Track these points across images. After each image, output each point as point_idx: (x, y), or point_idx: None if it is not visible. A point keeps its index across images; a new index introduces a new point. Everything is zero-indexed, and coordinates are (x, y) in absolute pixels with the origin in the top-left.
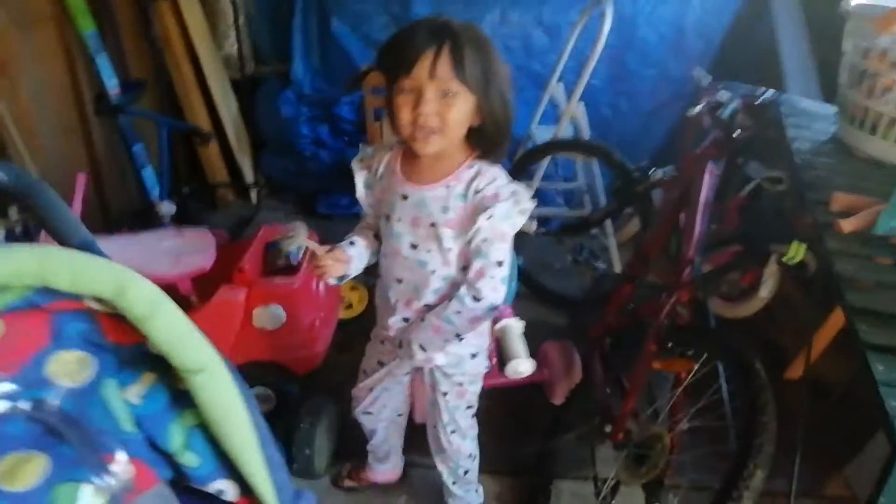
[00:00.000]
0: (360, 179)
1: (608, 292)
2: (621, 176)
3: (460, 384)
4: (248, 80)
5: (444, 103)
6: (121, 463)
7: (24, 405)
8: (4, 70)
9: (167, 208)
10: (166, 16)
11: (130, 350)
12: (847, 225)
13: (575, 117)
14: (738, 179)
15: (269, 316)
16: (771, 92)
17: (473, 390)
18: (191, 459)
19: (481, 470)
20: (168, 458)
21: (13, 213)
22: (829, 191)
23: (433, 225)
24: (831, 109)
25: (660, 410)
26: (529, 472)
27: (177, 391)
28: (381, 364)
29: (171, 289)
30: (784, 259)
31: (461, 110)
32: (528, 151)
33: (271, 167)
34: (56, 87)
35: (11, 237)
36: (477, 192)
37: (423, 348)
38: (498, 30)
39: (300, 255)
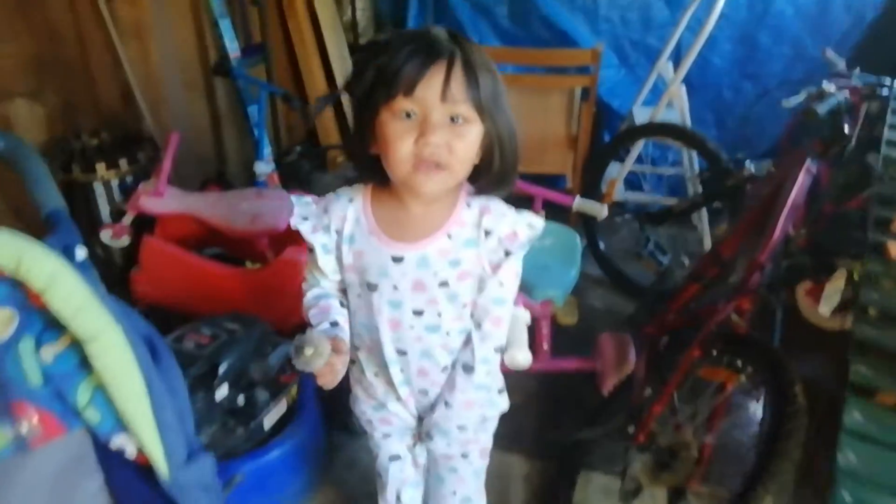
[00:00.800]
0: (317, 245)
1: (671, 289)
2: (712, 167)
3: (484, 424)
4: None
5: (453, 132)
6: (28, 411)
7: None
8: (138, 32)
9: (262, 168)
10: None
11: (52, 314)
12: (895, 249)
13: (675, 100)
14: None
15: None
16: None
17: (490, 436)
18: (93, 416)
19: (514, 450)
20: (77, 412)
21: (123, 164)
22: None
23: (444, 285)
24: None
25: (695, 419)
26: (560, 459)
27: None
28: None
29: (249, 244)
30: (855, 276)
31: (473, 141)
32: (618, 134)
33: None
34: (183, 48)
35: (123, 186)
36: (488, 232)
37: (461, 429)
38: (615, 1)
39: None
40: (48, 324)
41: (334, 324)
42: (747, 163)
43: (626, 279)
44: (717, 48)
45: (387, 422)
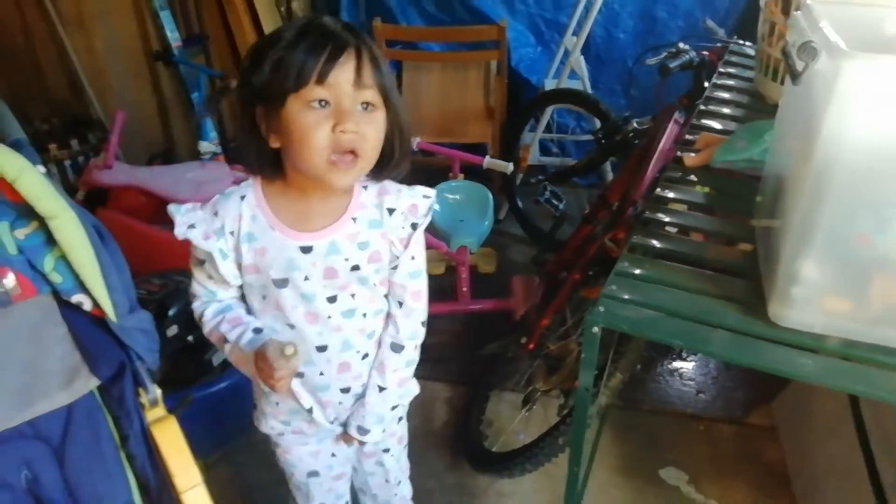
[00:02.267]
0: (214, 251)
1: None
2: (603, 125)
3: (400, 419)
4: None
5: (365, 119)
6: (7, 274)
7: None
8: (81, 23)
9: (205, 147)
10: None
11: (23, 205)
12: (690, 159)
13: (577, 69)
14: None
15: None
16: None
17: (405, 424)
18: (57, 278)
19: (438, 379)
20: (44, 277)
21: (74, 144)
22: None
23: (355, 269)
24: None
25: (577, 329)
26: (474, 382)
27: (51, 235)
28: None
29: None
30: None
31: (381, 128)
32: (527, 103)
33: None
34: (127, 38)
35: (75, 165)
36: (391, 210)
37: (380, 423)
38: None
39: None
40: (19, 214)
41: (258, 330)
42: (632, 119)
43: (544, 236)
44: (621, 24)
45: (300, 434)
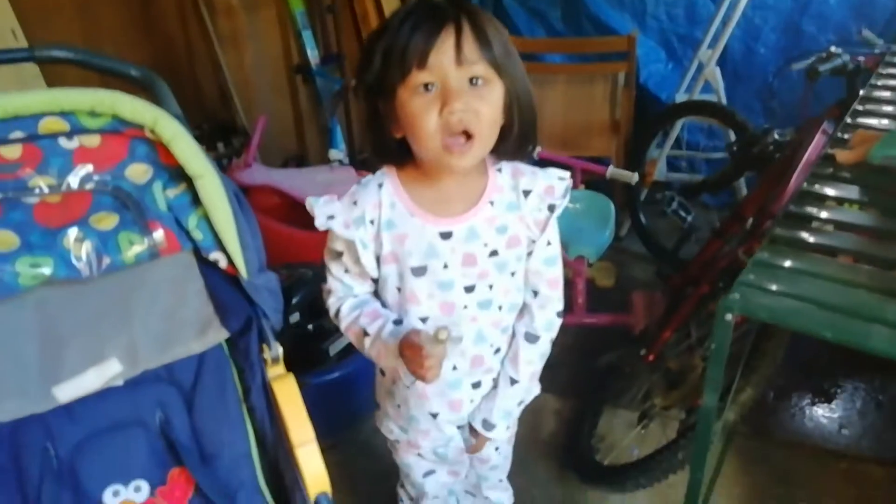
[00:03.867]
0: (356, 240)
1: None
2: (740, 137)
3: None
4: None
5: (475, 95)
6: (157, 229)
7: (110, 187)
8: (235, 41)
9: (335, 154)
10: None
11: (175, 168)
12: (843, 155)
13: (711, 81)
14: None
15: None
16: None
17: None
18: (198, 235)
19: (548, 390)
20: (187, 234)
21: (220, 147)
22: None
23: (494, 254)
24: None
25: (702, 345)
26: (588, 395)
27: (196, 197)
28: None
29: None
30: None
31: (496, 102)
32: (655, 116)
33: None
34: (272, 55)
35: (219, 166)
36: (527, 192)
37: (507, 418)
38: None
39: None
40: (171, 176)
41: (398, 322)
42: (773, 130)
43: (669, 254)
44: (762, 38)
45: (425, 436)
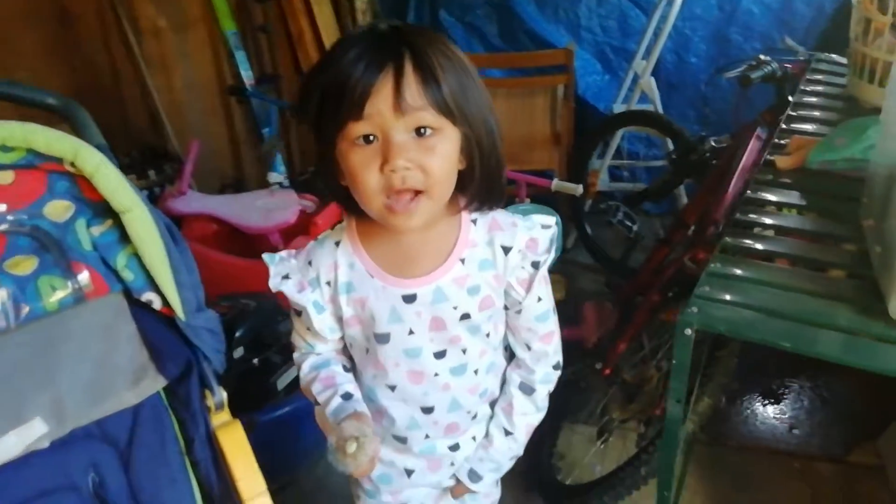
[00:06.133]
0: (308, 305)
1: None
2: (678, 145)
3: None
4: None
5: (421, 148)
6: (82, 271)
7: (27, 228)
8: (164, 64)
9: (274, 177)
10: (299, 14)
11: (99, 203)
12: (782, 161)
13: (647, 92)
14: None
15: None
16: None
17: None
18: (128, 275)
19: None
20: (116, 275)
21: (152, 174)
22: None
23: (465, 317)
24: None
25: (656, 355)
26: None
27: (124, 233)
28: None
29: (263, 239)
30: None
31: (448, 153)
32: (595, 127)
33: None
34: (203, 77)
35: (152, 195)
36: (506, 249)
37: (496, 472)
38: (595, 10)
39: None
40: (96, 212)
41: (347, 396)
42: (709, 138)
43: (617, 264)
44: (693, 48)
45: (397, 495)
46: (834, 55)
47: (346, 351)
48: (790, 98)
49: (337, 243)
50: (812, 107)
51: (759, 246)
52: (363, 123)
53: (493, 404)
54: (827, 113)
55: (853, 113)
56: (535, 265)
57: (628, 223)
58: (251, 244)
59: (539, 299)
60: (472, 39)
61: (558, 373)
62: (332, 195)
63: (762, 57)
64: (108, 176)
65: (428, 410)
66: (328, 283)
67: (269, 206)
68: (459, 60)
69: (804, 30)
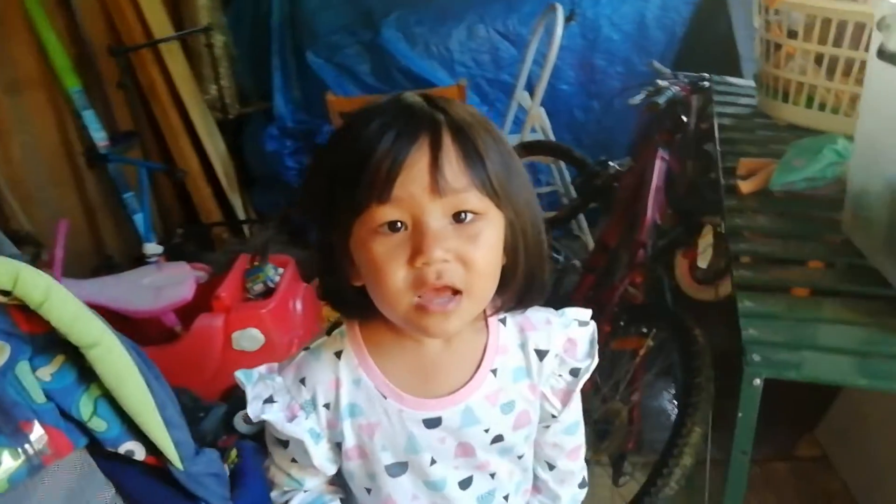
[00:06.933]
0: (303, 435)
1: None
2: (581, 172)
3: None
4: (234, 121)
5: (462, 236)
6: (36, 430)
7: None
8: None
9: (152, 249)
10: (150, 66)
11: (43, 337)
12: (745, 186)
13: (538, 122)
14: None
15: (247, 338)
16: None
17: None
18: (99, 424)
19: None
20: (81, 426)
21: None
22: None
23: (497, 439)
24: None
25: (618, 388)
26: None
27: (84, 368)
28: None
29: (156, 323)
30: (719, 229)
31: (493, 242)
32: None
33: (263, 202)
34: (47, 143)
35: None
36: (541, 353)
37: None
38: (466, 45)
39: (277, 279)
40: (37, 349)
41: None
42: (611, 162)
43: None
44: (563, 76)
45: None
46: (728, 77)
47: (337, 478)
48: (684, 119)
49: (338, 354)
50: (731, 128)
51: (769, 277)
52: (390, 208)
53: None
54: (745, 133)
55: (773, 129)
56: (575, 373)
57: (555, 255)
58: (141, 330)
59: (571, 409)
60: (344, 80)
61: (584, 491)
62: (335, 297)
63: (660, 83)
64: (63, 303)
65: None
66: (326, 406)
67: (159, 282)
68: (499, 135)
69: (660, 53)
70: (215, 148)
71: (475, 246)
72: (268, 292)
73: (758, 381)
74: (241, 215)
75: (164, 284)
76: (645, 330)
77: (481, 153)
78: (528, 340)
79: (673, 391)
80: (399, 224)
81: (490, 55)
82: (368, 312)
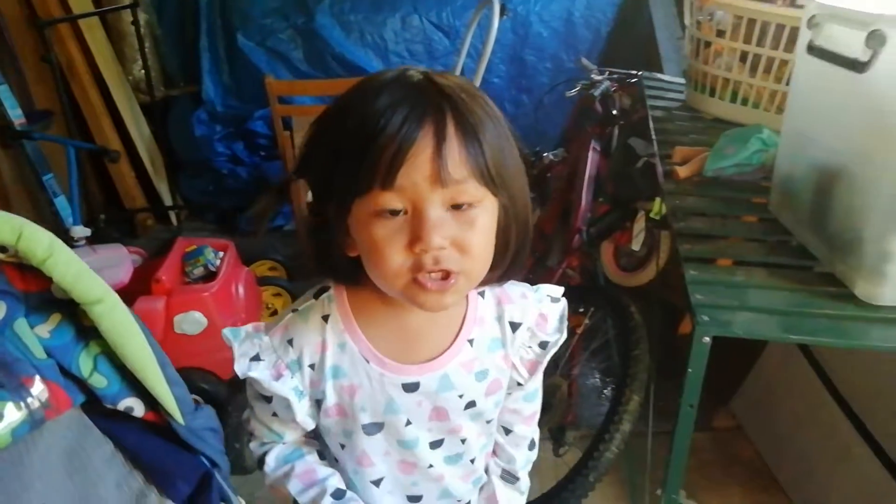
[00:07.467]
0: (289, 393)
1: None
2: None
3: None
4: (158, 104)
5: (460, 223)
6: (37, 385)
7: None
8: None
9: (80, 232)
10: (68, 41)
11: (38, 295)
12: (682, 171)
13: None
14: (629, 156)
15: (189, 322)
16: (639, 73)
17: None
18: (100, 381)
19: None
20: (80, 383)
21: None
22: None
23: (470, 405)
24: (682, 80)
25: (558, 364)
26: None
27: (82, 326)
28: None
29: None
30: (651, 214)
31: (488, 227)
32: None
33: (190, 189)
34: None
35: None
36: (515, 325)
37: None
38: (401, 35)
39: (217, 262)
40: (31, 308)
41: (339, 494)
42: (545, 153)
43: None
44: (495, 70)
45: None
46: (657, 73)
47: (313, 432)
48: (614, 112)
49: (325, 318)
50: (662, 120)
51: (710, 248)
52: (392, 195)
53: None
54: (678, 124)
55: (701, 122)
56: (543, 346)
57: None
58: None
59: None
60: (276, 65)
61: (535, 453)
62: (325, 263)
63: (595, 77)
64: (66, 259)
65: (415, 499)
66: (311, 367)
67: (94, 265)
68: (496, 115)
69: (586, 51)
70: (139, 131)
71: (472, 232)
72: (208, 276)
73: (707, 339)
74: (168, 201)
75: (99, 267)
76: (582, 309)
77: (481, 142)
78: (505, 313)
79: (605, 370)
80: (400, 209)
81: (424, 45)
82: (359, 281)
